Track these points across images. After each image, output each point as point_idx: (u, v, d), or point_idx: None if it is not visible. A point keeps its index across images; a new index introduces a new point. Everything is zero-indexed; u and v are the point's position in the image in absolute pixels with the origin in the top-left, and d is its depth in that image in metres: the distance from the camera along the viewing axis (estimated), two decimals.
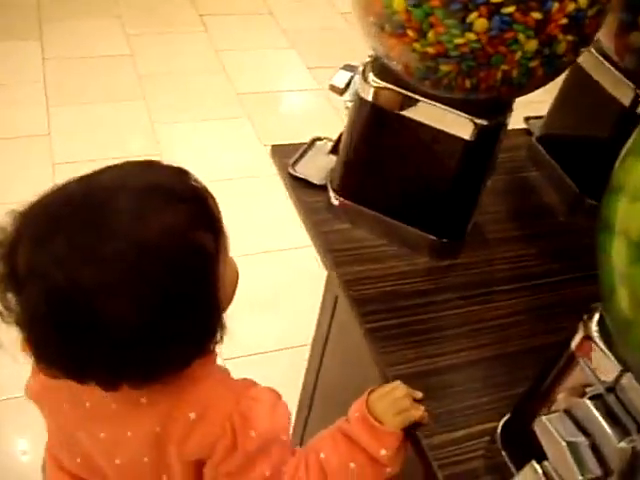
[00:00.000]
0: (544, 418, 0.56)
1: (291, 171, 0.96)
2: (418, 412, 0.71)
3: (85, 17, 2.93)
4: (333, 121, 2.32)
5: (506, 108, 0.80)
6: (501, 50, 0.67)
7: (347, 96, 0.90)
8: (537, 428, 0.57)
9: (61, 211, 0.59)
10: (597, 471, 0.53)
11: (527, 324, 0.81)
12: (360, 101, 0.83)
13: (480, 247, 0.90)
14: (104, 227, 0.57)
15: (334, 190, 0.90)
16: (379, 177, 0.87)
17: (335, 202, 0.90)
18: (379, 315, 0.79)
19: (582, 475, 0.53)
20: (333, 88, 0.91)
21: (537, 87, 0.75)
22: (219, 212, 0.66)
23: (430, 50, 0.70)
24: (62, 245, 0.56)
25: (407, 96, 0.78)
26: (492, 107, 0.78)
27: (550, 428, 0.55)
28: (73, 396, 0.71)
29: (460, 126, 0.77)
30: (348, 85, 0.89)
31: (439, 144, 0.80)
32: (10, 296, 0.59)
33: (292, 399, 1.14)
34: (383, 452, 0.71)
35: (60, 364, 0.61)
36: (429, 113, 0.78)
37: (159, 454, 0.69)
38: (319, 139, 1.04)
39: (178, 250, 0.59)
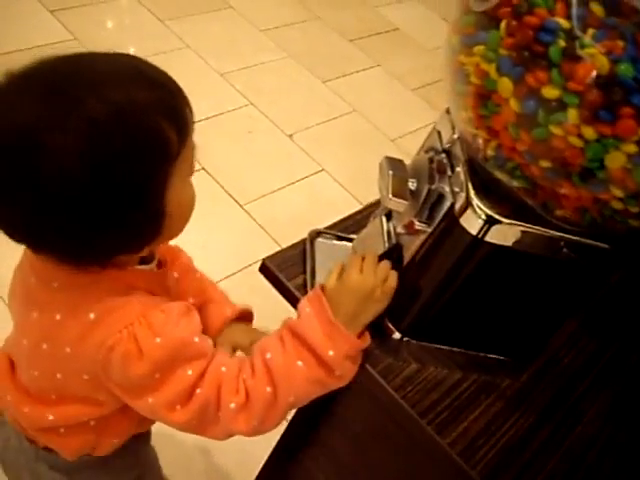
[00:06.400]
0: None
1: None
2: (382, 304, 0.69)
3: None
4: None
5: None
6: None
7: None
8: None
9: (36, 73, 0.58)
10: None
11: None
12: (457, 231, 0.65)
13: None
14: (75, 90, 0.56)
15: (402, 330, 0.72)
16: (469, 314, 0.72)
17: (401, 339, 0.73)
18: None
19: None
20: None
21: None
22: (192, 124, 0.63)
23: (634, 209, 0.59)
24: (31, 101, 0.56)
25: (536, 232, 0.63)
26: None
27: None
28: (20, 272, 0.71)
29: (593, 254, 0.66)
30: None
31: (558, 274, 0.68)
32: None
33: None
34: (331, 353, 0.66)
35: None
36: (556, 245, 0.65)
37: (54, 346, 0.66)
38: (320, 233, 0.81)
39: (141, 124, 0.57)
